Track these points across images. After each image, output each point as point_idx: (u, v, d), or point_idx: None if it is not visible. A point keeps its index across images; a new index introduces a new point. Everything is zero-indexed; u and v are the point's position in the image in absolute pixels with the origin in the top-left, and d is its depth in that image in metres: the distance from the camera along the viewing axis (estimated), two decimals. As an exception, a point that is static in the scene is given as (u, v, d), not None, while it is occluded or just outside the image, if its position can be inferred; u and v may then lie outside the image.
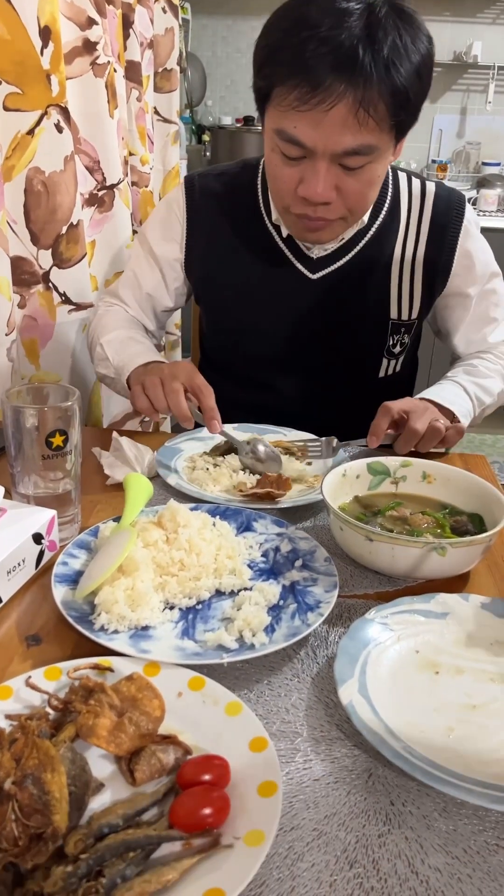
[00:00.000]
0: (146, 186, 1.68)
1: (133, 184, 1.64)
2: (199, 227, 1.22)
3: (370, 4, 0.88)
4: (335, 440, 1.07)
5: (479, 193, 3.67)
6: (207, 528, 0.82)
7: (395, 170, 1.19)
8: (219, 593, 0.77)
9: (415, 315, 1.20)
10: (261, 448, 1.03)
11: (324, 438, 1.07)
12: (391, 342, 1.21)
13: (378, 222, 1.15)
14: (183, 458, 1.05)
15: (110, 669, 0.63)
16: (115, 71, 1.41)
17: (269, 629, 0.70)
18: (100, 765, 0.56)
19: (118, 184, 1.48)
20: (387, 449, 1.04)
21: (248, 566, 0.80)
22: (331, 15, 0.87)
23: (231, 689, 0.62)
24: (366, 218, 1.13)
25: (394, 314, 1.19)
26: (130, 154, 1.61)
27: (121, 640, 0.67)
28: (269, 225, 1.17)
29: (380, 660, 0.68)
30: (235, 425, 1.14)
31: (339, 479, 0.90)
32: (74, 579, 0.76)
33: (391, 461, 0.94)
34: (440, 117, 3.87)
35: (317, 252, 1.15)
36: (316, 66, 0.87)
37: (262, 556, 0.83)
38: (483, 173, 3.84)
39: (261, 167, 1.19)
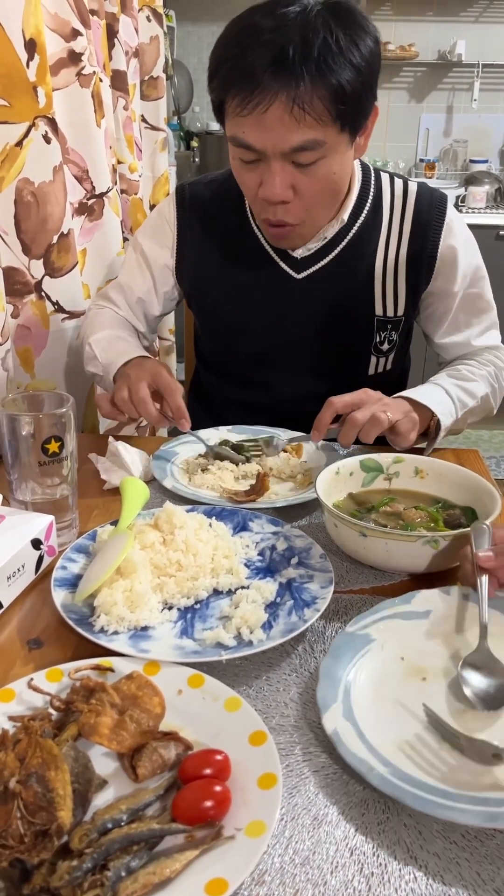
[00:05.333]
0: (136, 194, 1.69)
1: (122, 191, 1.66)
2: (190, 234, 1.24)
3: (304, 7, 0.93)
4: (275, 437, 1.11)
5: (468, 191, 3.68)
6: (204, 528, 0.83)
7: (377, 171, 1.21)
8: (216, 592, 0.78)
9: (400, 312, 1.21)
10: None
11: (264, 437, 1.12)
12: (378, 339, 1.22)
13: (360, 221, 1.17)
14: (178, 461, 1.06)
15: (111, 670, 0.64)
16: (100, 81, 1.43)
17: (267, 626, 0.71)
18: (102, 762, 0.57)
19: (107, 192, 1.49)
20: (379, 447, 1.04)
21: (245, 565, 0.81)
22: (272, 20, 0.93)
23: (230, 685, 0.63)
24: (346, 216, 1.15)
25: (379, 311, 1.20)
26: (119, 162, 1.62)
27: (120, 640, 0.68)
28: (254, 227, 1.19)
29: (365, 674, 0.66)
30: (230, 427, 1.16)
31: (333, 476, 0.91)
32: (74, 583, 0.77)
33: (384, 458, 0.95)
34: (426, 116, 3.88)
35: (300, 252, 1.17)
36: (252, 71, 0.92)
37: (259, 554, 0.84)
38: (471, 171, 3.84)
39: None
